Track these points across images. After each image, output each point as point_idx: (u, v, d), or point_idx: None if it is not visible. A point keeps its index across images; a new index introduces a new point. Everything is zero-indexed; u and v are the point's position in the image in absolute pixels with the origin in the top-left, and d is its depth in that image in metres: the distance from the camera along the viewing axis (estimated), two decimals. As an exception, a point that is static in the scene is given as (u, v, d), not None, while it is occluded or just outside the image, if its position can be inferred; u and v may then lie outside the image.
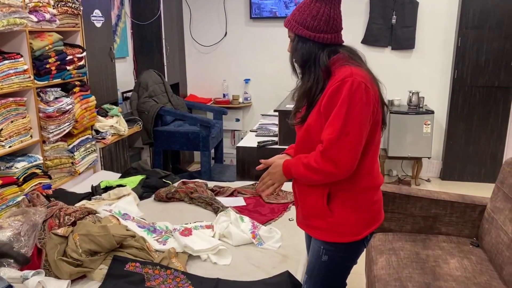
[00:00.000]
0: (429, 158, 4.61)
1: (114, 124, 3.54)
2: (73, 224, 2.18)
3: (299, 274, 2.00)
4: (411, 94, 4.55)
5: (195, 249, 2.16)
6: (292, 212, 2.67)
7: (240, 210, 2.66)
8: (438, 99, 4.76)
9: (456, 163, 4.68)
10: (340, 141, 1.37)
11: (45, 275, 1.93)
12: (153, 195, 2.93)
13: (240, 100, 5.20)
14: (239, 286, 1.92)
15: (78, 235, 2.02)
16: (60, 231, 2.06)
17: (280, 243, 2.29)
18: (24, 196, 2.59)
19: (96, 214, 2.34)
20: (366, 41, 4.64)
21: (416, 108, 4.53)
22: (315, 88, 1.45)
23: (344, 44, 1.52)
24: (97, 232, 2.02)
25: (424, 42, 4.67)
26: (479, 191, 3.28)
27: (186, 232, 2.30)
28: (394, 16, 4.60)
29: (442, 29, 4.61)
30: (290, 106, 3.32)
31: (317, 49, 1.46)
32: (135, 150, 4.34)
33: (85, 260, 1.96)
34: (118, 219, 2.29)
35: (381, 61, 4.64)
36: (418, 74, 4.73)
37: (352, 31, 4.61)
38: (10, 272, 1.88)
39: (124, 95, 4.40)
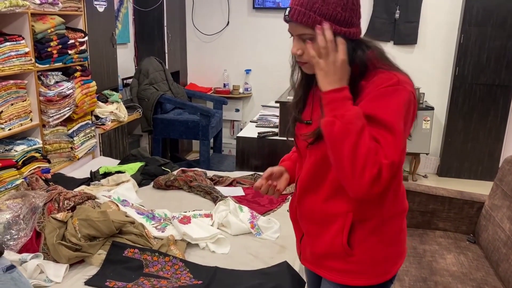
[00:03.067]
0: (427, 154, 4.63)
1: (114, 110, 3.52)
2: (72, 208, 2.18)
3: (297, 265, 2.01)
4: (411, 90, 4.55)
5: (194, 237, 2.16)
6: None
7: (239, 200, 2.66)
8: (438, 96, 4.76)
9: (454, 160, 4.69)
10: (396, 138, 1.03)
11: (44, 259, 1.94)
12: (152, 183, 2.92)
13: (241, 90, 5.18)
14: (237, 275, 1.93)
15: (78, 220, 2.02)
16: (60, 215, 2.06)
17: (278, 234, 2.30)
18: (23, 180, 2.59)
19: (96, 200, 2.34)
20: (368, 35, 4.61)
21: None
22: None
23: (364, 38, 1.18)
24: (97, 217, 2.02)
25: (426, 38, 4.66)
26: (476, 188, 3.28)
27: (185, 220, 2.30)
28: (398, 11, 4.58)
29: (445, 26, 4.60)
30: (291, 98, 3.31)
31: (351, 50, 1.10)
32: (134, 137, 4.32)
33: (84, 245, 1.97)
34: (117, 205, 2.29)
35: (383, 56, 4.63)
36: (419, 70, 4.72)
37: (355, 24, 4.58)
38: (8, 255, 1.88)
39: (124, 81, 4.37)
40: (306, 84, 1.27)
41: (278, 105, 3.64)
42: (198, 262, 2.02)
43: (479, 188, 3.22)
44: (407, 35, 4.66)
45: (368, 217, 1.17)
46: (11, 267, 1.71)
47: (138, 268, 1.95)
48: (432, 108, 4.46)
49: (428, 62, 4.71)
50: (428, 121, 4.43)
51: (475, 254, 2.23)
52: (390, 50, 4.79)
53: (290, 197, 2.74)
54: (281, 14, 4.82)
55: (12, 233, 2.01)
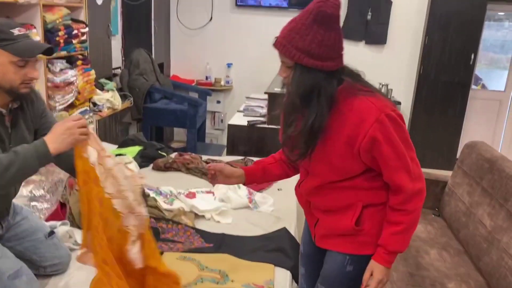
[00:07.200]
0: (394, 145, 5.06)
1: (110, 98, 3.72)
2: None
3: (292, 231, 2.34)
4: (381, 86, 4.95)
5: (201, 209, 2.44)
6: (280, 182, 2.96)
7: (234, 179, 2.95)
8: (404, 92, 5.21)
9: (416, 151, 5.11)
10: (412, 174, 1.36)
11: (70, 226, 2.16)
12: (151, 165, 3.16)
13: (222, 83, 5.45)
14: (243, 239, 2.23)
15: (100, 192, 2.25)
16: (81, 188, 2.28)
17: (273, 208, 2.61)
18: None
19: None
20: (343, 35, 4.98)
21: (385, 98, 4.95)
22: (318, 123, 1.30)
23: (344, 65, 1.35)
24: (117, 190, 2.26)
25: (395, 39, 5.10)
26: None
27: (191, 195, 2.58)
28: (370, 13, 4.99)
29: (412, 28, 5.05)
30: (278, 90, 3.63)
31: (322, 79, 1.28)
32: (123, 125, 4.51)
33: (106, 214, 2.20)
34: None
35: (355, 54, 5.00)
36: (388, 68, 5.15)
37: (331, 24, 4.94)
38: (38, 222, 2.10)
39: (113, 71, 4.54)
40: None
41: (261, 96, 3.98)
42: (206, 230, 2.31)
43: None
44: (377, 36, 5.08)
45: (375, 204, 1.42)
46: (51, 233, 1.93)
47: (155, 234, 2.19)
48: (399, 103, 4.91)
49: (396, 60, 5.16)
50: (395, 114, 4.86)
51: (440, 224, 2.63)
52: (362, 49, 5.17)
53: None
54: (262, 12, 5.14)
55: (37, 205, 2.22)
